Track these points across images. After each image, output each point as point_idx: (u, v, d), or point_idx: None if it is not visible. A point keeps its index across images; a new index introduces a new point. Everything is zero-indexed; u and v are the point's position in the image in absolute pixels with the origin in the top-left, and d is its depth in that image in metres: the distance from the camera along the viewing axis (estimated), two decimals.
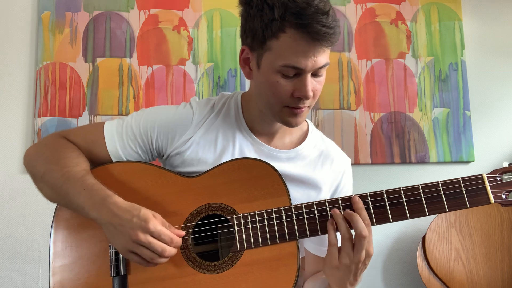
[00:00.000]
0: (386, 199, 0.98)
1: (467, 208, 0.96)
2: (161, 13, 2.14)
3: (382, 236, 2.18)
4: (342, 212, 0.98)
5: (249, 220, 1.01)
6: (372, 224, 0.98)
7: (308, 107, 1.05)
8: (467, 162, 2.23)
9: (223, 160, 1.08)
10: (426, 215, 0.97)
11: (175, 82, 2.10)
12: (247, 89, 1.19)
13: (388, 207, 0.98)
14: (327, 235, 0.99)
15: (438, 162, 2.20)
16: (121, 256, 1.01)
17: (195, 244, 1.04)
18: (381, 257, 2.18)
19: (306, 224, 1.00)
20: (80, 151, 1.09)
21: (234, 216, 1.02)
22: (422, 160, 2.19)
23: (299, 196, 1.10)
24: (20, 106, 2.04)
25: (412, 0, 2.29)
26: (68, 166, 1.03)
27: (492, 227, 2.05)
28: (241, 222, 1.01)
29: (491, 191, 0.95)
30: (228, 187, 1.04)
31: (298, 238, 1.00)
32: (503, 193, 0.95)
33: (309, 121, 1.23)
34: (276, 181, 1.03)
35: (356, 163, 2.15)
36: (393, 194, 0.98)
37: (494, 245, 2.03)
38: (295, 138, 1.18)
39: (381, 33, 2.25)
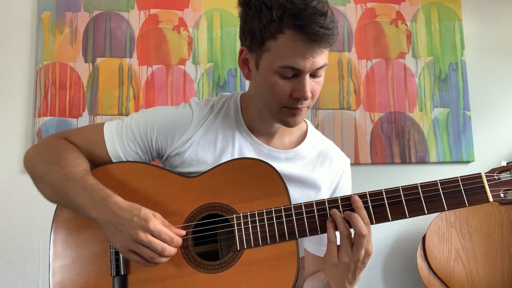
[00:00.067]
0: (385, 198, 0.98)
1: (466, 206, 0.96)
2: (161, 13, 2.14)
3: (382, 236, 2.18)
4: (341, 212, 0.99)
5: (249, 219, 1.01)
6: (372, 223, 0.98)
7: (307, 107, 1.05)
8: (467, 162, 2.23)
9: (223, 160, 1.08)
10: (425, 214, 0.98)
11: (175, 82, 2.11)
12: (247, 89, 1.20)
13: (387, 206, 0.98)
14: (326, 234, 0.99)
15: (438, 162, 2.21)
16: (121, 256, 1.01)
17: (195, 244, 1.04)
18: (381, 257, 2.18)
19: (306, 223, 1.00)
20: (80, 151, 1.09)
21: (234, 215, 1.02)
22: (422, 160, 2.19)
23: (298, 196, 1.10)
24: (20, 106, 2.04)
25: (412, 0, 2.29)
26: (68, 166, 1.03)
27: (492, 227, 2.05)
28: (241, 222, 1.01)
29: (490, 190, 0.96)
30: (228, 187, 1.04)
31: (297, 237, 1.00)
32: (501, 192, 0.95)
33: (308, 121, 1.23)
34: (276, 181, 1.03)
35: (356, 163, 2.15)
36: (392, 193, 0.99)
37: (494, 245, 2.03)
38: (294, 138, 1.18)
39: (381, 33, 2.26)
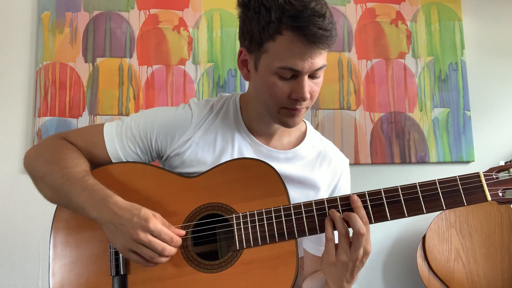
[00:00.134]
0: (384, 197, 0.99)
1: (464, 205, 0.96)
2: (161, 13, 2.15)
3: (382, 236, 2.18)
4: (340, 211, 0.99)
5: (248, 219, 1.01)
6: (370, 222, 0.98)
7: (306, 108, 1.05)
8: (467, 162, 2.23)
9: (222, 161, 1.08)
10: (424, 213, 0.98)
11: (175, 82, 2.11)
12: (247, 89, 1.20)
13: (386, 205, 0.98)
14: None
15: (438, 162, 2.21)
16: (121, 255, 1.01)
17: (194, 244, 1.04)
18: (381, 257, 2.18)
19: (305, 223, 1.00)
20: (80, 152, 1.10)
21: (234, 215, 1.02)
22: (422, 160, 2.19)
23: (297, 196, 1.10)
24: (20, 106, 2.05)
25: (412, 0, 2.29)
26: (68, 167, 1.03)
27: (492, 227, 2.05)
28: (240, 222, 1.01)
29: (488, 189, 0.96)
30: (227, 187, 1.04)
31: (297, 237, 1.00)
32: (499, 191, 0.95)
33: (307, 122, 1.24)
34: (275, 181, 1.03)
35: (356, 163, 2.15)
36: (391, 192, 0.99)
37: (494, 245, 2.03)
38: (293, 138, 1.18)
39: (381, 33, 2.26)
